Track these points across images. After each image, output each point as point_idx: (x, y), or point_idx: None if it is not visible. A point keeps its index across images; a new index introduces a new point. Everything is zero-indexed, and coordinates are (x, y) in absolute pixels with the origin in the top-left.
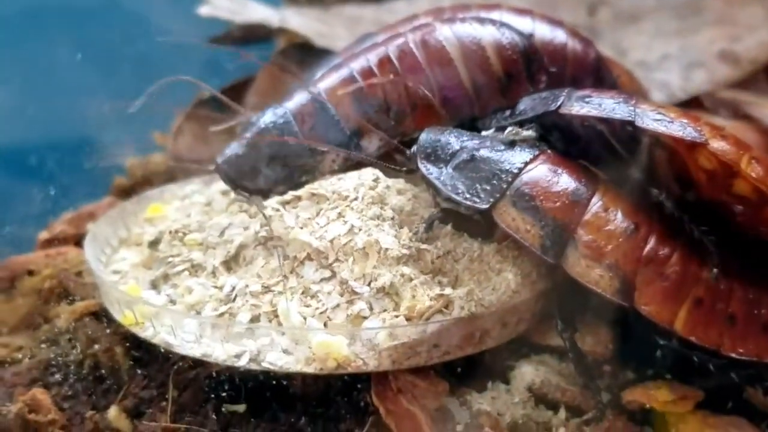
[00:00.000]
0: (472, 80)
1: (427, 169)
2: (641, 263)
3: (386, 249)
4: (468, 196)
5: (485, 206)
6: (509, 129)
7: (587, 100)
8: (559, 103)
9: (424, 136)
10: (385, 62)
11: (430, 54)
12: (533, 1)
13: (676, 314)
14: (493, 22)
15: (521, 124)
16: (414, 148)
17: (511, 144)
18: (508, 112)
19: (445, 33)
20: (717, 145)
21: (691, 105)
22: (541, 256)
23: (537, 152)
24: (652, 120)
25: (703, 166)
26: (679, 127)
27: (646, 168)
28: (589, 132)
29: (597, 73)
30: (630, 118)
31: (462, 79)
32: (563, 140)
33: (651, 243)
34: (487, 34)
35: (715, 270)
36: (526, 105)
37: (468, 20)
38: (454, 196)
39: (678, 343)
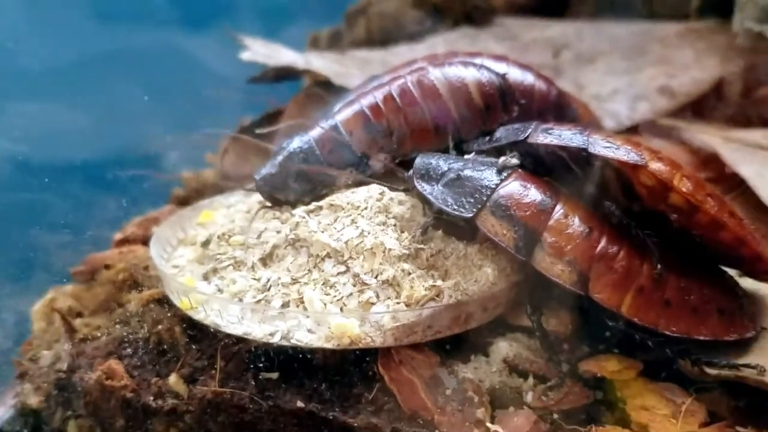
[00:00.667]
0: (458, 111)
1: (422, 186)
2: (594, 259)
3: (390, 249)
4: (456, 207)
5: (470, 215)
6: (502, 159)
7: (549, 131)
8: (527, 134)
9: (419, 161)
10: (388, 98)
11: (424, 91)
12: (508, 46)
13: (623, 300)
14: (474, 64)
15: (501, 151)
16: (411, 171)
17: (492, 166)
18: (486, 138)
19: (436, 74)
20: (655, 166)
21: (633, 131)
22: (515, 254)
23: (510, 171)
24: (602, 147)
25: (644, 183)
26: (624, 153)
27: (598, 184)
28: (552, 157)
29: (558, 107)
30: (584, 146)
31: (450, 110)
32: (533, 162)
33: (602, 243)
34: (470, 74)
35: (659, 266)
36: (501, 134)
37: (455, 63)
38: (444, 207)
39: (624, 324)
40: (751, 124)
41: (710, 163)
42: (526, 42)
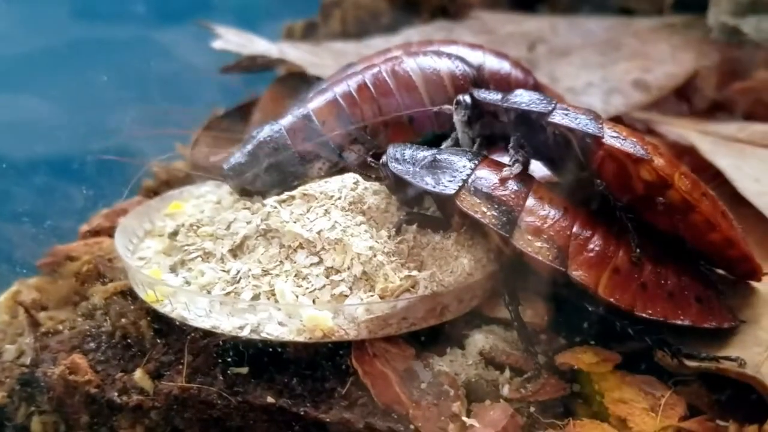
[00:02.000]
0: (432, 102)
1: (397, 168)
2: (572, 237)
3: (363, 240)
4: (435, 185)
5: (452, 192)
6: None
7: (567, 113)
8: (550, 110)
9: (392, 149)
10: (363, 87)
11: (399, 81)
12: (483, 39)
13: (599, 279)
14: (449, 56)
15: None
16: (383, 158)
17: (464, 153)
18: (500, 96)
19: (411, 65)
20: (657, 162)
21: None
22: (497, 231)
23: (481, 157)
24: (610, 137)
25: (644, 178)
26: (630, 145)
27: (596, 171)
28: (558, 138)
29: None
30: (599, 134)
31: (424, 101)
32: (527, 134)
33: (577, 223)
34: (444, 65)
35: (638, 250)
36: (522, 99)
37: (429, 54)
38: (423, 185)
39: (603, 309)
40: (726, 117)
41: (685, 155)
42: (501, 36)
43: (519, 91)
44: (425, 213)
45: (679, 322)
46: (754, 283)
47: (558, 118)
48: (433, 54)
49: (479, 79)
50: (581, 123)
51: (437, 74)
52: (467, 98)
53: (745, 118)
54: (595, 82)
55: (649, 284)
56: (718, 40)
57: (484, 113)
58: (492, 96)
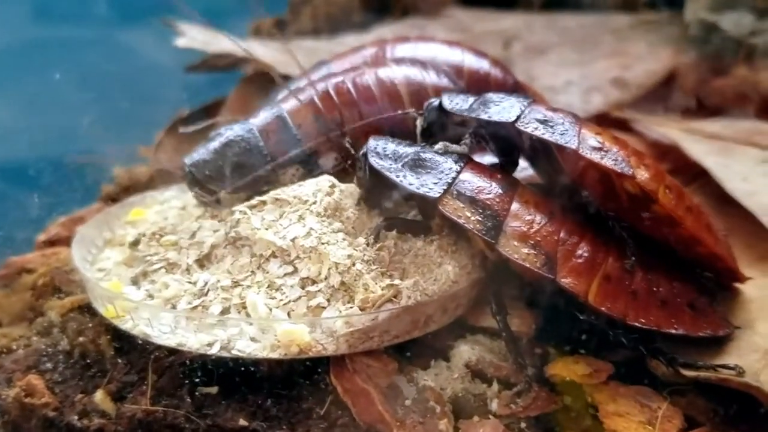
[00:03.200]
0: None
1: (379, 164)
2: (559, 243)
3: (341, 248)
4: (419, 186)
5: (437, 195)
6: (440, 144)
7: (542, 120)
8: (515, 118)
9: (372, 142)
10: (344, 91)
11: (383, 89)
12: (458, 37)
13: (590, 286)
14: (437, 70)
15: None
16: (363, 150)
17: (448, 152)
18: (468, 103)
19: (398, 74)
20: (641, 176)
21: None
22: (482, 237)
23: (466, 159)
24: (590, 149)
25: (627, 190)
26: (611, 160)
27: (577, 180)
28: (536, 143)
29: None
30: (574, 147)
31: (408, 114)
32: (505, 140)
33: (565, 228)
34: (431, 78)
35: (633, 258)
36: (491, 109)
37: (417, 65)
38: (407, 186)
39: (594, 318)
40: (706, 114)
41: (668, 154)
42: (476, 34)
43: (489, 97)
44: (404, 217)
45: (673, 331)
46: (749, 287)
47: (531, 127)
48: (421, 66)
49: (462, 93)
50: (556, 133)
51: (422, 86)
52: (434, 105)
53: (725, 115)
54: (574, 80)
55: (641, 292)
56: (696, 36)
57: (448, 124)
58: (460, 105)
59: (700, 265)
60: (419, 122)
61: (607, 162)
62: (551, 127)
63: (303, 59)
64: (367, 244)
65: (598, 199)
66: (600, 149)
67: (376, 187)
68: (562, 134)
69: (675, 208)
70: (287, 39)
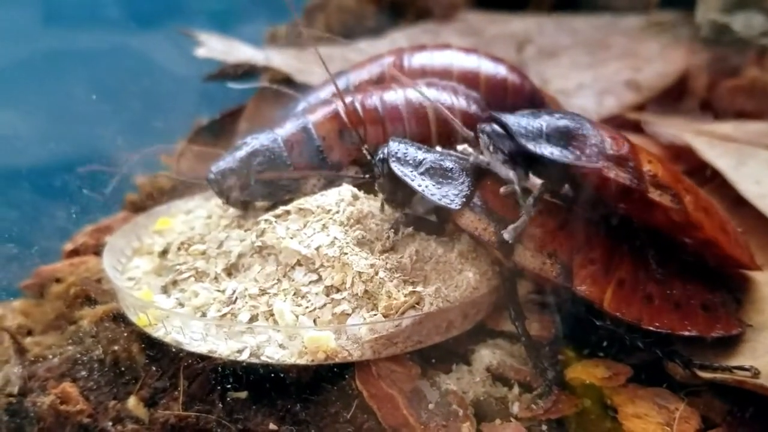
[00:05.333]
0: (439, 137)
1: (400, 170)
2: (574, 251)
3: (363, 258)
4: (441, 198)
5: (457, 207)
6: (463, 148)
7: (564, 143)
8: (536, 150)
9: (393, 144)
10: (371, 109)
11: (411, 110)
12: (471, 41)
13: (605, 293)
14: (467, 95)
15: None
16: (383, 153)
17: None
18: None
19: (425, 96)
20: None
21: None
22: (497, 250)
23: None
24: (653, 189)
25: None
26: (669, 198)
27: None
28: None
29: (532, 101)
30: (642, 189)
31: (432, 135)
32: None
33: (578, 236)
34: (459, 104)
35: (657, 268)
36: (515, 127)
37: (449, 89)
38: (429, 196)
39: (610, 323)
40: (718, 116)
41: (682, 156)
42: (488, 37)
43: (551, 125)
44: (421, 216)
45: (687, 333)
46: (763, 288)
47: (613, 173)
48: (452, 90)
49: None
50: (576, 158)
51: (451, 111)
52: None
53: (737, 117)
54: (586, 83)
55: (655, 295)
56: (708, 37)
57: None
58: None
59: (715, 264)
60: (483, 143)
61: (664, 201)
62: (627, 170)
63: (317, 67)
64: (387, 239)
65: (621, 210)
66: (658, 186)
67: (395, 189)
68: (634, 178)
69: (694, 214)
70: (302, 46)
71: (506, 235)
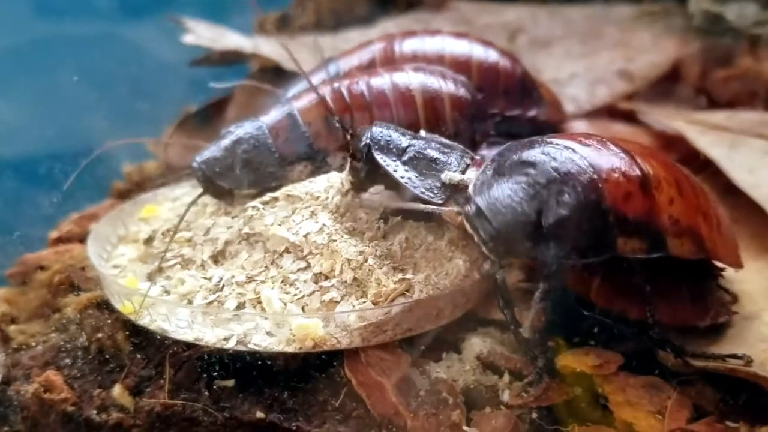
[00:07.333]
0: (427, 122)
1: (382, 159)
2: None
3: (352, 245)
4: (424, 190)
5: (440, 202)
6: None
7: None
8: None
9: (376, 129)
10: (358, 94)
11: (398, 95)
12: (464, 30)
13: (591, 283)
14: (455, 79)
15: None
16: (365, 139)
17: (452, 149)
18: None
19: (414, 80)
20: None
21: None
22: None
23: (469, 160)
24: None
25: None
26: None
27: None
28: None
29: (523, 85)
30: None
31: (420, 120)
32: None
33: None
34: (447, 88)
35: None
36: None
37: (437, 73)
38: (412, 188)
39: (599, 312)
40: (710, 105)
41: (674, 145)
42: (480, 26)
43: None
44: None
45: (674, 323)
46: (755, 277)
47: None
48: (440, 74)
49: (475, 101)
50: None
51: (438, 95)
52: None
53: (730, 106)
54: (579, 72)
55: (641, 285)
56: (700, 27)
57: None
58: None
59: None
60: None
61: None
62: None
63: (307, 55)
64: (377, 229)
65: None
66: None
67: (371, 175)
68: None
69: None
70: (292, 34)
71: (525, 333)
